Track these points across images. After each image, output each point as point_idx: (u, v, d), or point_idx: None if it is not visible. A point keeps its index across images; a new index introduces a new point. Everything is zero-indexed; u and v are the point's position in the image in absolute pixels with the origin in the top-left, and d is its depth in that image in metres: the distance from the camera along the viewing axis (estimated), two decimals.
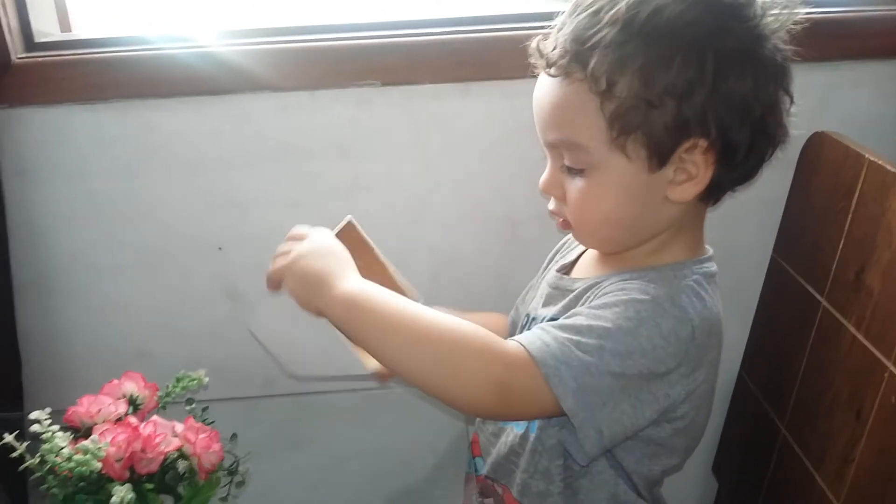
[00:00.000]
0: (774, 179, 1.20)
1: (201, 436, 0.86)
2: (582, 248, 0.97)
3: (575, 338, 0.76)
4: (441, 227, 1.29)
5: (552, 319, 0.85)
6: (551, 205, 0.87)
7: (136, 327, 1.34)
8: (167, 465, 0.85)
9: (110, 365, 0.96)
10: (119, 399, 0.91)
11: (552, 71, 0.80)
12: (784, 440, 1.13)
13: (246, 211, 1.27)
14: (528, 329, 0.87)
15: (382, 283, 0.85)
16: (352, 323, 0.80)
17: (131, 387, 0.93)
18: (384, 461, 1.15)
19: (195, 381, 0.96)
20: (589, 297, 0.84)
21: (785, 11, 0.79)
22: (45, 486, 0.80)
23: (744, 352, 1.30)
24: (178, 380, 0.96)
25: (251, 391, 1.31)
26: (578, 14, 0.78)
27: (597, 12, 0.76)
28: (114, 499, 0.76)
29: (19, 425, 0.80)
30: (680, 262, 0.84)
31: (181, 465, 0.85)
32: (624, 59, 0.75)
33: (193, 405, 0.96)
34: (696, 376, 0.80)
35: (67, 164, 1.24)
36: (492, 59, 1.19)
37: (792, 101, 0.80)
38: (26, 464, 0.79)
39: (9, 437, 0.79)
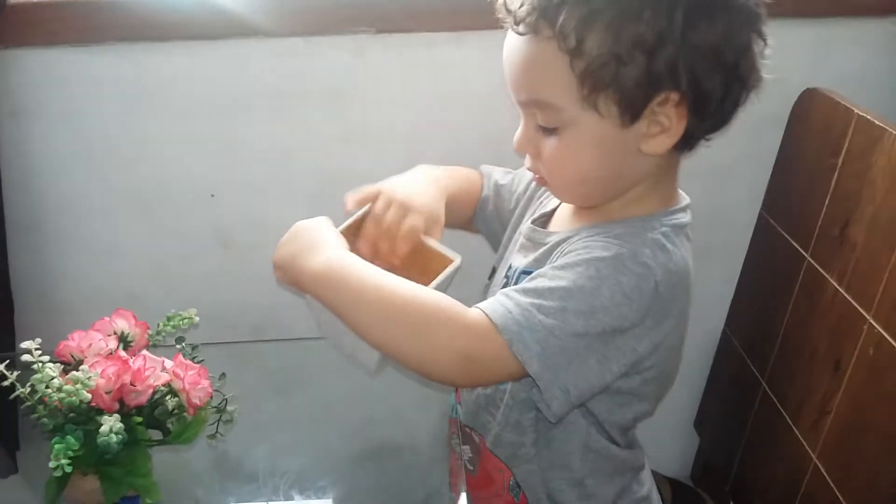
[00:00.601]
0: (765, 137, 1.21)
1: (190, 372, 0.87)
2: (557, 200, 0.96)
3: (537, 301, 0.76)
4: None
5: (525, 272, 0.86)
6: (527, 162, 0.87)
7: (128, 271, 1.35)
8: (156, 401, 0.86)
9: (102, 308, 0.97)
10: (110, 336, 0.92)
11: (520, 28, 0.77)
12: (764, 394, 1.15)
13: (239, 158, 1.28)
14: (507, 275, 0.90)
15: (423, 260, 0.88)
16: (326, 296, 0.82)
17: (122, 324, 0.94)
18: (371, 407, 1.16)
19: (186, 320, 0.96)
20: (557, 253, 0.84)
21: None
22: (36, 415, 0.81)
23: (728, 310, 1.32)
24: (168, 318, 0.96)
25: (240, 336, 1.33)
26: None
27: None
28: (103, 428, 0.77)
29: (11, 365, 0.82)
30: (649, 215, 0.83)
31: (170, 401, 0.87)
32: (593, 14, 0.73)
33: (183, 344, 0.97)
34: (663, 328, 0.80)
35: (61, 106, 1.24)
36: (487, 7, 1.18)
37: (765, 44, 0.78)
38: (16, 393, 0.80)
39: None
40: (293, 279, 0.86)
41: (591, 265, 0.77)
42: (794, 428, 1.06)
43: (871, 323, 0.93)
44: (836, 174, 1.03)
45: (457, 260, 0.88)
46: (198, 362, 0.92)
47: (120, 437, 0.78)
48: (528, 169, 0.87)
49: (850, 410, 0.96)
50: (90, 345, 0.88)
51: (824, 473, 0.99)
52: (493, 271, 1.01)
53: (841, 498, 0.95)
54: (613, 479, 0.91)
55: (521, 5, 0.77)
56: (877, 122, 0.97)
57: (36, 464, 0.79)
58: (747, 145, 1.21)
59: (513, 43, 0.80)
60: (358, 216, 0.94)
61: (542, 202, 0.98)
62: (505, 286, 0.87)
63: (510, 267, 0.92)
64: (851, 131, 1.01)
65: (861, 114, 1.00)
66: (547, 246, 0.87)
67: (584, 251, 0.79)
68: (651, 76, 0.74)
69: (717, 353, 1.34)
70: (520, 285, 0.79)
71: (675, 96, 0.75)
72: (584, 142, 0.79)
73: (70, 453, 0.76)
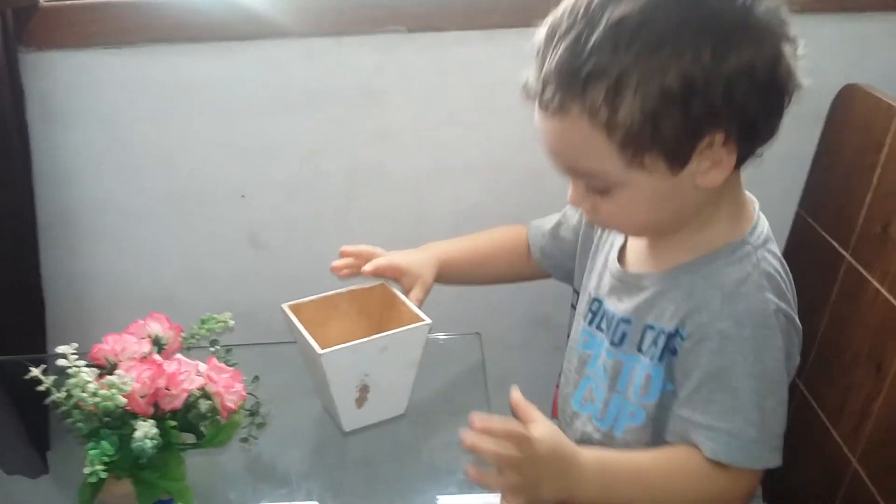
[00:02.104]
0: (803, 134, 1.18)
1: (224, 375, 0.87)
2: None
3: (740, 419, 0.82)
4: (464, 177, 1.29)
5: (624, 320, 0.90)
6: (586, 215, 0.88)
7: (160, 272, 1.35)
8: (190, 404, 0.86)
9: (134, 309, 0.97)
10: (143, 339, 0.92)
11: (548, 112, 0.77)
12: (802, 396, 1.13)
13: (270, 158, 1.28)
14: (592, 310, 0.96)
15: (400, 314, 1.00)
16: (610, 494, 0.83)
17: (156, 327, 0.94)
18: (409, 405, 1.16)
19: (220, 324, 0.96)
20: (658, 308, 0.86)
21: None
22: (71, 420, 0.81)
23: None
24: (203, 321, 0.96)
25: (273, 337, 1.33)
26: (557, 44, 0.74)
27: (577, 39, 0.73)
28: (137, 433, 0.77)
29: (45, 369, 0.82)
30: (739, 239, 0.84)
31: (203, 405, 0.86)
32: (619, 82, 0.72)
33: (217, 347, 0.97)
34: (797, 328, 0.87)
35: (93, 108, 1.24)
36: (519, 5, 1.17)
37: (795, 46, 0.76)
38: (51, 398, 0.80)
39: (36, 371, 0.80)
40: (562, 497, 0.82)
41: (744, 352, 0.81)
42: (832, 431, 1.04)
43: None
44: (878, 171, 1.01)
45: (426, 321, 0.97)
46: (231, 365, 0.92)
47: (154, 442, 0.78)
48: (588, 221, 0.91)
49: (892, 414, 0.93)
50: (124, 348, 0.88)
51: (864, 478, 0.97)
52: (576, 294, 1.06)
53: (881, 502, 0.93)
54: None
55: (545, 88, 0.76)
56: None
57: (66, 464, 0.79)
58: (784, 142, 1.17)
59: (544, 122, 0.79)
60: (366, 287, 1.05)
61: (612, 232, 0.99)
62: (591, 320, 0.95)
63: (599, 302, 0.95)
64: (894, 127, 0.99)
65: None
66: (644, 294, 0.88)
67: (723, 339, 0.82)
68: (691, 124, 0.74)
69: None
70: (711, 408, 0.83)
71: (720, 137, 0.75)
72: (638, 198, 0.80)
73: (105, 459, 0.76)
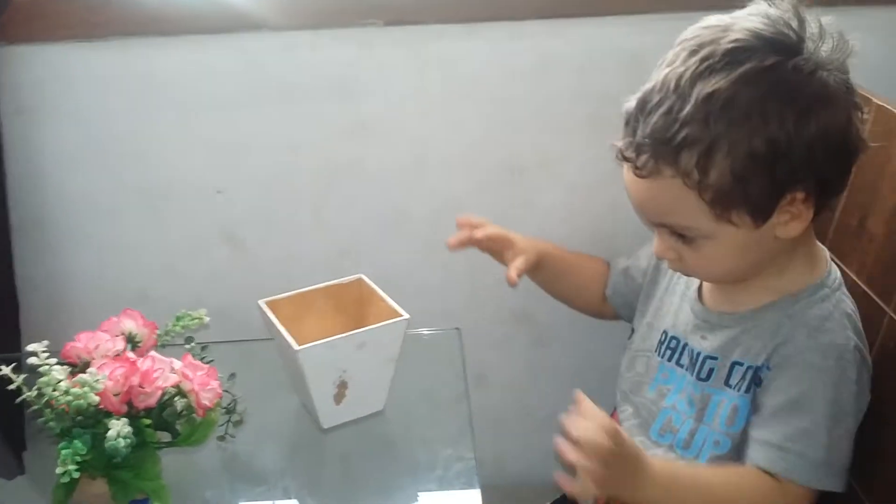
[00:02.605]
0: None
1: (199, 373, 0.85)
2: None
3: (810, 441, 0.86)
4: (442, 171, 1.29)
5: (710, 357, 0.94)
6: (670, 265, 0.94)
7: (136, 269, 1.34)
8: (165, 402, 0.85)
9: (110, 307, 0.96)
10: (117, 336, 0.90)
11: (642, 173, 0.84)
12: None
13: (246, 153, 1.27)
14: (671, 347, 1.00)
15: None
16: (671, 502, 0.87)
17: (130, 324, 0.93)
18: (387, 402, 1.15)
19: (195, 320, 0.95)
20: (744, 345, 0.92)
21: (837, 42, 0.83)
22: (43, 419, 0.80)
23: None
24: (178, 318, 0.95)
25: (250, 334, 1.31)
26: (650, 114, 0.82)
27: (669, 111, 0.80)
28: (110, 432, 0.76)
29: (17, 367, 0.80)
30: (818, 282, 0.91)
31: (179, 403, 0.85)
32: (710, 149, 0.79)
33: (193, 344, 0.95)
34: (868, 363, 0.90)
35: (67, 102, 1.23)
36: None
37: (863, 112, 0.85)
38: (23, 396, 0.79)
39: (6, 370, 0.79)
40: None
41: (824, 380, 0.86)
42: None
43: (891, 316, 0.91)
44: (855, 164, 1.01)
45: (404, 316, 0.97)
46: (207, 362, 0.90)
47: (128, 440, 0.77)
48: (672, 269, 0.95)
49: (871, 404, 0.94)
50: (97, 346, 0.87)
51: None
52: (632, 332, 1.10)
53: (861, 494, 0.94)
54: None
55: (639, 154, 0.83)
56: (895, 112, 0.95)
57: (42, 465, 0.77)
58: None
59: (637, 183, 0.85)
60: (343, 282, 1.05)
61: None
62: (671, 357, 0.99)
63: (673, 339, 1.00)
64: (869, 121, 0.99)
65: (880, 103, 0.98)
66: (728, 332, 0.94)
67: (807, 368, 0.87)
68: (775, 184, 0.81)
69: None
70: (785, 431, 0.87)
71: (800, 195, 0.83)
72: (724, 248, 0.86)
73: (77, 458, 0.75)
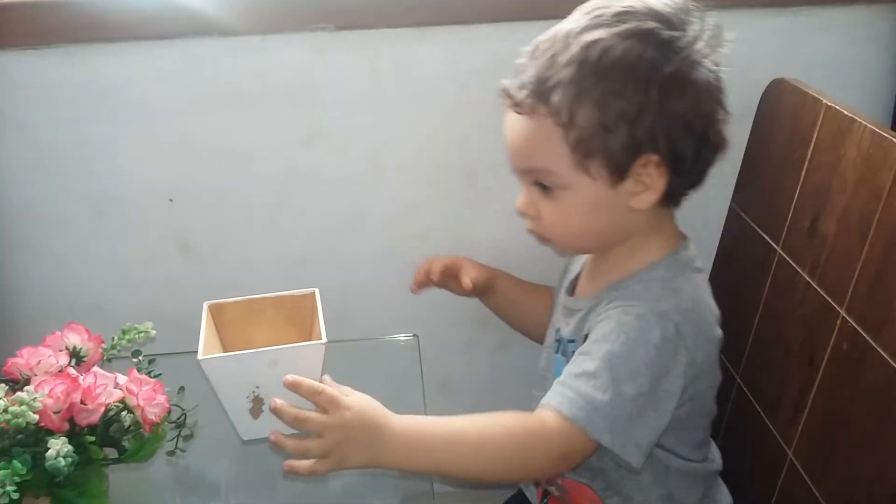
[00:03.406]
0: (734, 129, 1.17)
1: (145, 387, 0.83)
2: (580, 264, 1.08)
3: (591, 382, 0.87)
4: (398, 176, 1.27)
5: (570, 340, 0.99)
6: (529, 225, 0.98)
7: (88, 280, 1.31)
8: (111, 418, 0.83)
9: (61, 319, 0.93)
10: (61, 351, 0.88)
11: (520, 109, 0.90)
12: (738, 389, 1.13)
13: (198, 160, 1.25)
14: (557, 339, 1.03)
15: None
16: (417, 460, 0.86)
17: (75, 338, 0.90)
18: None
19: (142, 333, 0.93)
20: (589, 322, 0.95)
21: (713, 39, 0.89)
22: None
23: None
24: (123, 332, 0.93)
25: None
26: (536, 58, 0.89)
27: (553, 56, 0.88)
28: (49, 452, 0.74)
29: None
30: (654, 262, 0.95)
31: (126, 418, 0.83)
32: (581, 93, 0.86)
33: (140, 357, 0.93)
34: (697, 358, 0.90)
35: (12, 111, 1.20)
36: (448, 2, 1.16)
37: (727, 113, 0.91)
38: None
39: None
40: (369, 461, 0.85)
41: (621, 332, 0.88)
42: (769, 424, 1.05)
43: (843, 317, 0.91)
44: (806, 166, 1.02)
45: (322, 340, 0.92)
46: (154, 376, 0.89)
47: (69, 459, 0.75)
48: (529, 229, 0.98)
49: (826, 406, 0.94)
50: (39, 362, 0.84)
51: (800, 470, 0.97)
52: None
53: (817, 493, 0.94)
54: (697, 485, 1.03)
55: (521, 90, 0.90)
56: (846, 113, 0.95)
57: None
58: None
59: (514, 122, 0.93)
60: (296, 294, 1.00)
61: (569, 268, 1.11)
62: (557, 348, 1.03)
63: (558, 331, 1.04)
64: (820, 122, 1.00)
65: (830, 104, 0.99)
66: (581, 313, 0.99)
67: (609, 321, 0.90)
68: (634, 141, 0.87)
69: None
70: (571, 370, 0.89)
71: (655, 158, 0.88)
72: (579, 201, 0.91)
73: (16, 479, 0.73)
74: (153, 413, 0.83)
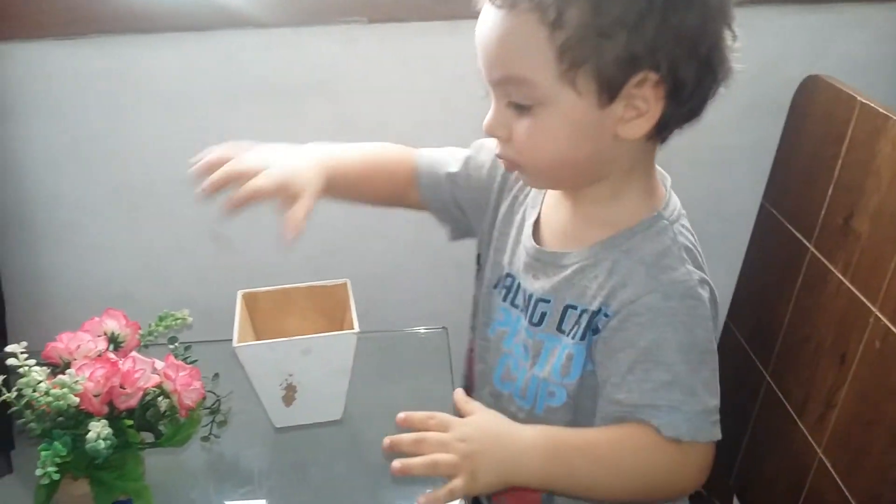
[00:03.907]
0: (766, 125, 1.19)
1: (181, 373, 0.85)
2: (539, 202, 0.94)
3: (680, 395, 0.80)
4: None
5: (543, 300, 0.87)
6: (497, 148, 0.85)
7: (120, 268, 1.32)
8: (147, 402, 0.84)
9: (94, 306, 0.94)
10: (99, 336, 0.89)
11: (498, 2, 0.76)
12: (768, 387, 1.13)
13: None
14: (507, 285, 0.93)
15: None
16: (553, 469, 0.80)
17: (112, 324, 0.91)
18: (368, 401, 1.15)
19: (179, 320, 0.94)
20: (588, 286, 0.84)
21: None
22: (24, 420, 0.79)
23: (731, 301, 1.29)
24: (160, 318, 0.94)
25: None
26: None
27: None
28: (90, 434, 0.75)
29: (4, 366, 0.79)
30: (655, 213, 0.84)
31: (163, 404, 0.84)
32: None
33: (176, 344, 0.95)
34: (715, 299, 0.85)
35: (47, 101, 1.21)
36: None
37: (735, 38, 0.78)
38: (3, 397, 0.78)
39: None
40: (506, 479, 0.79)
41: (674, 324, 0.80)
42: (798, 422, 1.04)
43: (877, 315, 0.91)
44: (840, 163, 1.01)
45: (354, 329, 0.93)
46: (190, 362, 0.90)
47: (109, 442, 0.76)
48: (498, 155, 0.85)
49: (856, 404, 0.94)
50: (79, 346, 0.86)
51: (830, 468, 0.97)
52: (478, 257, 1.01)
53: (847, 493, 0.94)
54: None
55: None
56: (880, 110, 0.95)
57: (31, 464, 0.76)
58: (748, 134, 1.19)
59: (489, 18, 0.78)
60: (327, 285, 1.02)
61: (514, 195, 0.96)
62: (506, 296, 0.91)
63: (509, 276, 0.92)
64: (855, 119, 0.99)
65: (864, 101, 0.98)
66: (566, 272, 0.86)
67: (650, 312, 0.80)
68: (631, 54, 0.73)
69: (720, 346, 1.31)
70: (655, 382, 0.80)
71: (653, 77, 0.75)
72: (560, 121, 0.77)
73: (57, 460, 0.74)
74: (189, 398, 0.85)
